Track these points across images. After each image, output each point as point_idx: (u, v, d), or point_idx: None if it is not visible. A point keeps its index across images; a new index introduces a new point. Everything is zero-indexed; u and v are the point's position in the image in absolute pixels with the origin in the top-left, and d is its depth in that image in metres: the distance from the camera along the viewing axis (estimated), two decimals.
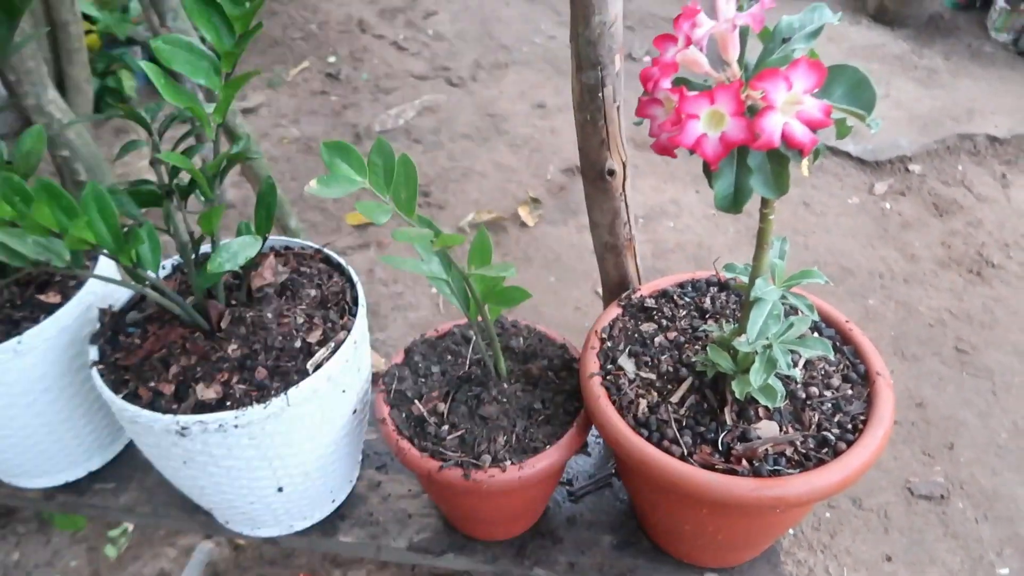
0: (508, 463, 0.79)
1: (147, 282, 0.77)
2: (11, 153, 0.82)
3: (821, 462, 0.73)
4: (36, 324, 0.82)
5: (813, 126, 0.52)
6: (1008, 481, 1.46)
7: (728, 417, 0.77)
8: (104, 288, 0.88)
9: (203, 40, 0.77)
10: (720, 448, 0.75)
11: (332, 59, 2.79)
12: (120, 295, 0.90)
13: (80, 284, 0.89)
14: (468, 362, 0.92)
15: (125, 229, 0.74)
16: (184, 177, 0.82)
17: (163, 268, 0.93)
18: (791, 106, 0.52)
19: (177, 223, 0.82)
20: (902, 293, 1.87)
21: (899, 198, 2.18)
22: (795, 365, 0.81)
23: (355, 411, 0.88)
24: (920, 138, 2.32)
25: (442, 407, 0.86)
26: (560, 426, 0.84)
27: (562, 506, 1.00)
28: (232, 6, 0.72)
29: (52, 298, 0.88)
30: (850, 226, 2.07)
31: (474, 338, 0.93)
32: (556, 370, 0.90)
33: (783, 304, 0.72)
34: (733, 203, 0.57)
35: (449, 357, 0.92)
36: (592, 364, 0.84)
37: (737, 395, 0.74)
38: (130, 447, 1.04)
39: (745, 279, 0.73)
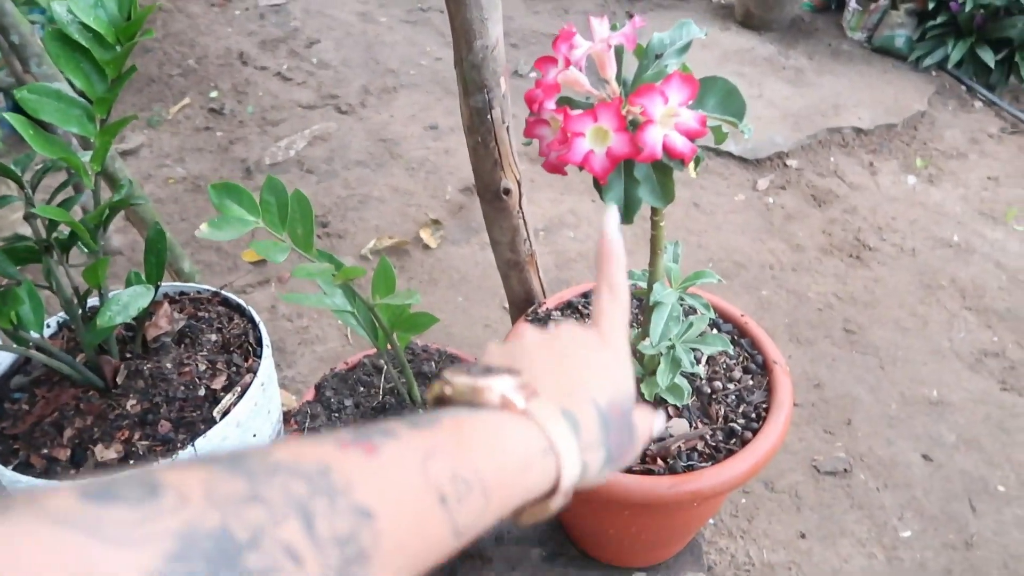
0: None
1: (31, 344, 0.73)
2: None
3: (731, 452, 0.76)
4: None
5: (691, 136, 0.55)
6: (902, 449, 1.55)
7: None
8: None
9: (73, 86, 0.74)
10: None
11: (214, 94, 2.71)
12: (2, 359, 0.85)
13: None
14: (381, 392, 0.91)
15: (1, 290, 0.70)
16: (64, 230, 0.78)
17: (48, 326, 0.88)
18: (669, 119, 0.54)
19: (59, 278, 0.78)
20: (792, 282, 1.97)
21: (780, 192, 2.30)
22: (698, 362, 0.85)
23: None
24: (794, 134, 2.46)
25: None
26: None
27: None
28: (102, 50, 0.69)
29: None
30: (739, 222, 2.17)
31: (385, 367, 0.92)
32: None
33: (681, 305, 0.75)
34: (624, 214, 0.59)
35: (361, 389, 0.91)
36: None
37: (647, 396, 0.77)
38: None
39: (644, 285, 0.76)
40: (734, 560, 1.37)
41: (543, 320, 0.94)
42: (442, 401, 0.36)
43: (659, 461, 0.76)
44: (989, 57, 2.61)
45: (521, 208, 0.91)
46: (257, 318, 0.88)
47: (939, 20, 2.69)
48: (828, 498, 1.45)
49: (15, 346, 0.73)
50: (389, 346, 0.82)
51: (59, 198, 0.83)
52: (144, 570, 0.20)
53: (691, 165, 0.60)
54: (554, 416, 0.36)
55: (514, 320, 1.00)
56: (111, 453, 0.72)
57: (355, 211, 2.19)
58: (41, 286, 0.79)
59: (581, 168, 0.56)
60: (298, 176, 2.33)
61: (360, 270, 0.67)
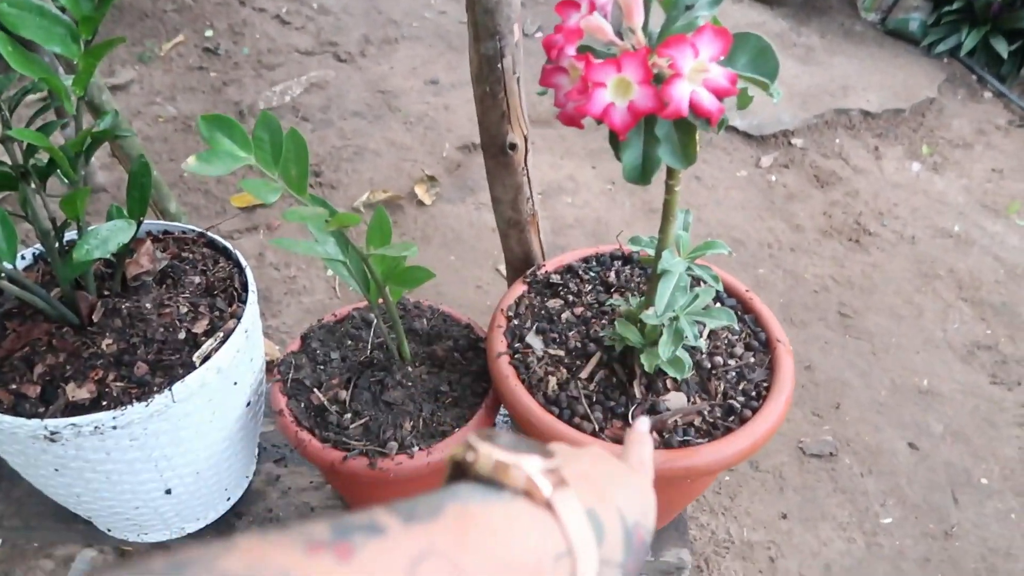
0: (416, 449, 0.76)
1: (2, 275, 0.69)
2: None
3: (728, 430, 0.74)
4: None
5: (719, 94, 0.51)
6: (889, 436, 1.54)
7: (637, 390, 0.77)
8: None
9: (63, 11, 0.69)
10: (631, 422, 0.75)
11: (209, 33, 2.63)
12: None
13: None
14: (370, 346, 0.88)
15: None
16: (43, 157, 0.74)
17: (23, 258, 0.84)
18: (698, 74, 0.50)
19: (36, 208, 0.73)
20: (789, 262, 1.95)
21: (783, 171, 2.26)
22: (700, 335, 0.82)
23: (249, 404, 0.82)
24: (800, 113, 2.42)
25: (344, 394, 0.82)
26: (468, 408, 0.82)
27: None
28: None
29: None
30: (739, 199, 2.14)
31: (375, 321, 0.89)
32: (462, 351, 0.88)
33: (688, 276, 0.72)
34: (641, 174, 0.55)
35: (349, 342, 0.88)
36: (499, 343, 0.82)
37: (646, 368, 0.74)
38: None
39: (650, 252, 0.72)
40: (714, 537, 1.36)
41: (542, 282, 0.91)
42: (460, 467, 0.32)
43: (654, 434, 0.73)
44: (1003, 47, 2.56)
45: (526, 165, 0.88)
46: (243, 262, 0.84)
47: (955, 6, 2.64)
48: (812, 480, 1.45)
49: None
50: (380, 300, 0.78)
51: (37, 123, 0.78)
52: None
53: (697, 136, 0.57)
54: (579, 514, 0.31)
55: (510, 282, 0.97)
56: (83, 393, 0.69)
57: (349, 162, 2.14)
58: (17, 215, 0.75)
59: (599, 122, 0.52)
60: (292, 123, 2.27)
61: (355, 218, 0.63)
